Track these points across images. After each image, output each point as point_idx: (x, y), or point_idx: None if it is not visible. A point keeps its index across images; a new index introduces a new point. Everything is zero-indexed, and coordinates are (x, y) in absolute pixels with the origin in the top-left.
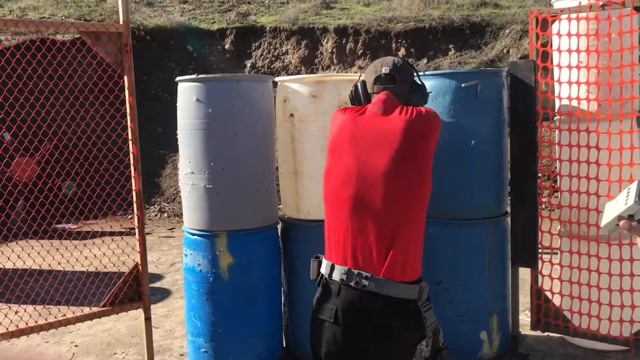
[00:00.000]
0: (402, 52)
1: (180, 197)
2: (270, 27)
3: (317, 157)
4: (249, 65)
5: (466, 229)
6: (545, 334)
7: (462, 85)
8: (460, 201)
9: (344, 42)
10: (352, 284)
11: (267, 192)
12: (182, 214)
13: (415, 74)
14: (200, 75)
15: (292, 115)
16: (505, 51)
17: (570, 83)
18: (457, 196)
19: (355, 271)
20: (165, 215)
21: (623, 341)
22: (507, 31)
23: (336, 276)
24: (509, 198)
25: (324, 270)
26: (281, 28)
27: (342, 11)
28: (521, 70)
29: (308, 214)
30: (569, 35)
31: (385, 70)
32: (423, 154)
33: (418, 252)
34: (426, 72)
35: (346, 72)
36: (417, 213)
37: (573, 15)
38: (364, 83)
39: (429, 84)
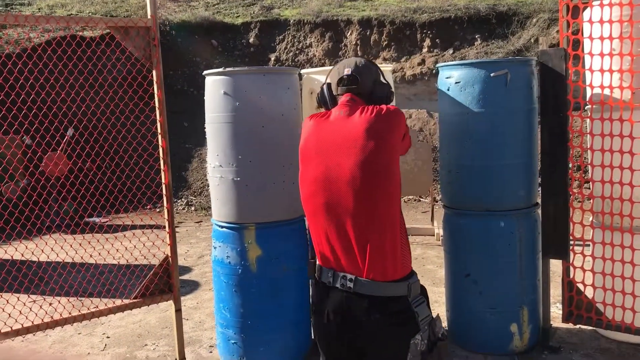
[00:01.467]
0: (427, 42)
1: (207, 190)
2: (294, 20)
3: None
4: (273, 58)
5: (496, 220)
6: (577, 326)
7: (491, 74)
8: (490, 192)
9: (368, 33)
10: (337, 285)
11: (295, 184)
12: (209, 207)
13: (379, 73)
14: (227, 69)
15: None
16: (532, 40)
17: (602, 71)
18: (487, 187)
19: (340, 273)
20: (193, 208)
21: None
22: (534, 20)
23: (324, 278)
24: (540, 189)
25: (316, 272)
26: (305, 21)
27: (366, 2)
28: (551, 58)
29: None
30: (601, 22)
31: (347, 71)
32: (387, 151)
33: (397, 248)
34: (454, 62)
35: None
36: (387, 209)
37: (605, 1)
38: (329, 85)
39: (457, 73)
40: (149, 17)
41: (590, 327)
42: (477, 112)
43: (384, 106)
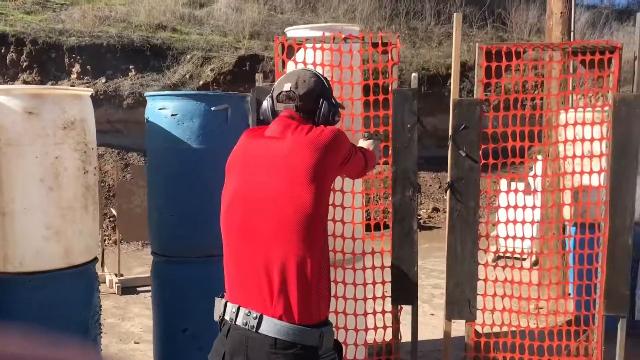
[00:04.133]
0: (76, 68)
1: None
2: None
3: (35, 191)
4: None
5: (217, 266)
6: None
7: (212, 108)
8: (210, 236)
9: (3, 51)
10: (239, 323)
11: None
12: None
13: (326, 90)
14: None
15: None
16: (188, 76)
17: None
18: (207, 231)
19: (245, 309)
20: None
21: None
22: (188, 56)
23: (227, 315)
24: None
25: (220, 308)
26: None
27: None
28: (265, 95)
29: (20, 265)
30: (305, 63)
31: (286, 87)
32: (319, 176)
33: (313, 288)
34: (169, 92)
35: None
36: (315, 242)
37: (317, 45)
38: (271, 100)
39: (174, 104)
40: None
41: None
42: (196, 149)
43: (322, 127)
